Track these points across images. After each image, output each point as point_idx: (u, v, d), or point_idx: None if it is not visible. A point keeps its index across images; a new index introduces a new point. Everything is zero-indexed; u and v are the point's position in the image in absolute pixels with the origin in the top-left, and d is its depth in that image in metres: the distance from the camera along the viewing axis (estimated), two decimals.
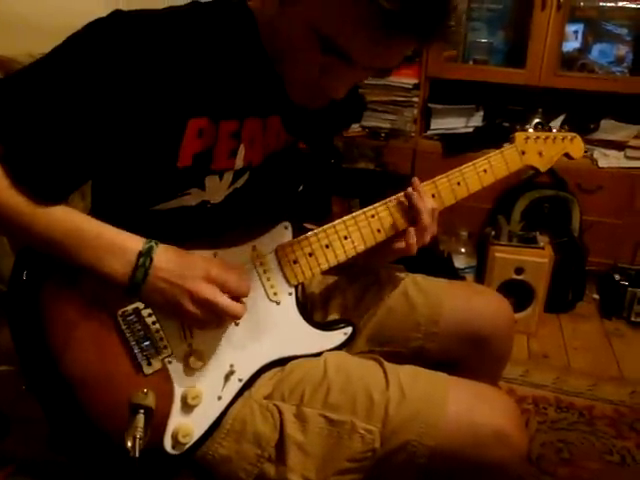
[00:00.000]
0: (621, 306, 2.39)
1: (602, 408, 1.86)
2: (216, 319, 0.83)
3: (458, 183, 1.05)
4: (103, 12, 0.77)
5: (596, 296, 2.52)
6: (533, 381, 1.99)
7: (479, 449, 0.86)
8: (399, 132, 2.66)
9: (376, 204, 1.01)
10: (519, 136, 1.11)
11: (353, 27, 0.70)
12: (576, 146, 1.16)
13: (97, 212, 0.83)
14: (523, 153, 1.10)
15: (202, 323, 0.83)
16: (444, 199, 1.04)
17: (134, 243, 0.79)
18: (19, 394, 0.83)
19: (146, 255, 0.78)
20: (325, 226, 0.96)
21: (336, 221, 0.97)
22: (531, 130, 1.10)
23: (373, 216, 1.00)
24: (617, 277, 2.40)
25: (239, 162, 0.88)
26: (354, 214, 0.98)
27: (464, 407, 0.89)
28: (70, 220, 0.78)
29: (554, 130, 1.12)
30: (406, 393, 0.88)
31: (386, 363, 0.95)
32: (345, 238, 0.97)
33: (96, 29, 0.75)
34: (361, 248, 0.99)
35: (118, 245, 0.78)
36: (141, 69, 0.74)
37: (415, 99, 2.63)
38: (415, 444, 0.85)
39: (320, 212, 1.09)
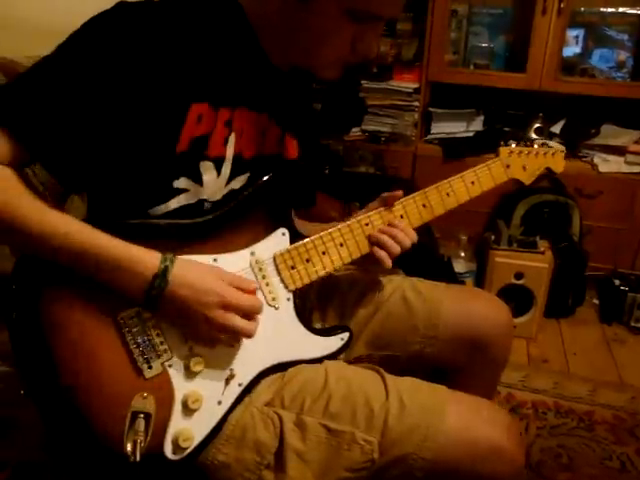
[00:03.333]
0: (621, 311, 2.38)
1: (602, 414, 1.86)
2: (230, 340, 0.86)
3: (447, 194, 1.08)
4: None
5: (596, 301, 2.52)
6: (533, 386, 1.98)
7: (476, 463, 0.86)
8: (399, 136, 2.66)
9: (370, 212, 1.03)
10: (503, 150, 1.15)
11: None
12: (557, 161, 1.20)
13: (94, 221, 0.82)
14: (508, 166, 1.14)
15: (215, 343, 0.86)
16: (434, 209, 1.07)
17: (151, 262, 0.80)
18: (16, 397, 0.83)
19: (162, 277, 0.79)
20: (321, 233, 0.98)
21: (331, 229, 0.99)
22: (514, 145, 1.15)
23: (367, 224, 1.02)
24: (617, 282, 2.39)
25: (230, 150, 0.90)
26: (349, 222, 1.01)
27: (463, 421, 0.89)
28: (87, 235, 0.78)
29: (535, 145, 1.17)
30: (406, 405, 0.88)
31: (386, 374, 0.95)
32: (341, 245, 1.00)
33: (102, 20, 0.78)
34: (357, 255, 1.01)
35: (135, 263, 0.79)
36: (147, 53, 0.77)
37: (416, 103, 2.63)
38: (413, 456, 0.86)
39: (304, 201, 1.10)
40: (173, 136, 0.82)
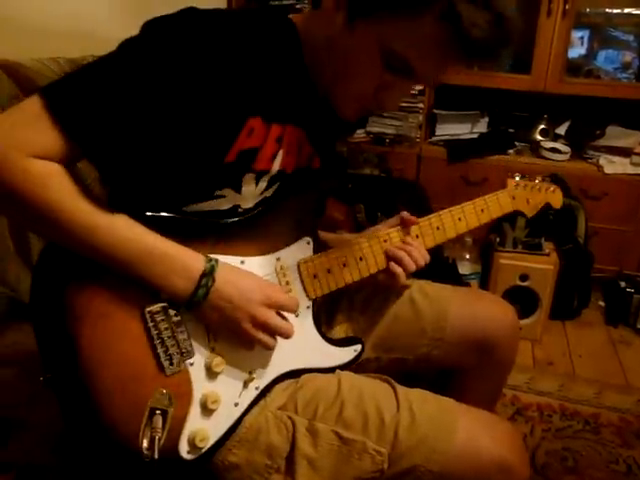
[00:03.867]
0: (627, 313, 2.37)
1: (608, 416, 1.85)
2: (270, 339, 0.86)
3: (459, 219, 1.12)
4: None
5: (602, 303, 2.51)
6: (538, 388, 1.97)
7: (480, 477, 0.87)
8: (404, 138, 2.66)
9: (390, 230, 1.07)
10: (510, 182, 1.22)
11: (433, 51, 0.76)
12: (556, 197, 1.29)
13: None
14: (514, 198, 1.21)
15: (256, 342, 0.86)
16: (447, 232, 1.12)
17: (197, 262, 0.81)
18: (21, 399, 0.83)
19: (209, 275, 0.80)
20: (343, 245, 1.02)
21: (352, 242, 1.03)
22: (518, 177, 1.23)
23: (385, 241, 1.06)
24: (623, 284, 2.39)
25: (276, 166, 0.90)
26: (369, 237, 1.05)
27: (470, 435, 0.89)
28: (132, 233, 0.78)
29: (537, 180, 1.25)
30: (416, 417, 0.89)
31: (397, 385, 0.95)
32: (360, 259, 1.03)
33: (168, 25, 0.77)
34: (374, 270, 1.04)
35: (181, 263, 0.80)
36: (209, 63, 0.76)
37: (420, 105, 2.63)
38: (421, 469, 0.86)
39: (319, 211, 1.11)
40: (225, 147, 0.82)
